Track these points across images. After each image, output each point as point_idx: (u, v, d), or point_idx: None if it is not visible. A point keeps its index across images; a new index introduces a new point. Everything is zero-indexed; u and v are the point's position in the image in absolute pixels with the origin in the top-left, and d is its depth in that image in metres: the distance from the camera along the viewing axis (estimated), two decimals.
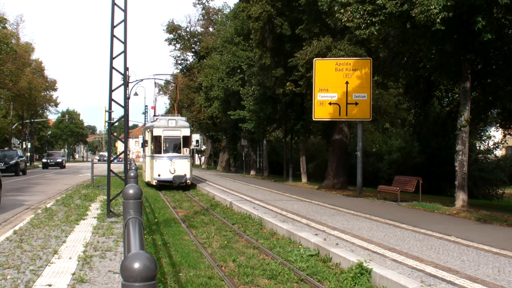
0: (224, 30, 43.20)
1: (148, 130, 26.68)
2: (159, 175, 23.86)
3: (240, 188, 23.50)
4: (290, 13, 27.15)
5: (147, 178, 26.27)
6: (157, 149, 24.59)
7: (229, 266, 8.66)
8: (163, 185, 24.09)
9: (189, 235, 11.68)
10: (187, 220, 13.97)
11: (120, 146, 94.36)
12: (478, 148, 26.80)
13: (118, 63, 13.48)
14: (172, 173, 23.60)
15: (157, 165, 24.02)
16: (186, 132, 25.05)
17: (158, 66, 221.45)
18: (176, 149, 24.79)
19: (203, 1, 56.75)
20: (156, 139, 24.71)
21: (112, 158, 15.52)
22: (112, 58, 13.07)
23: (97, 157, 70.54)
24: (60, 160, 55.91)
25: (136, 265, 2.53)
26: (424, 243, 9.76)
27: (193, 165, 37.53)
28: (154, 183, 24.19)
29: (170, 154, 24.37)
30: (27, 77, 46.24)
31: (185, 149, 24.78)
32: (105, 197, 15.40)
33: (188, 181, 23.95)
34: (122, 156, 17.58)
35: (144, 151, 29.76)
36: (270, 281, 7.75)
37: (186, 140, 25.07)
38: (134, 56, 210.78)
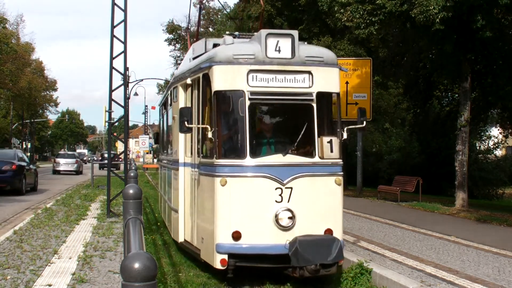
0: (224, 30, 43.24)
1: (193, 77, 8.17)
2: (237, 236, 6.92)
3: None
4: (290, 13, 27.16)
5: (183, 234, 8.78)
6: (224, 143, 7.42)
7: None
8: (251, 269, 7.33)
9: None
10: None
11: (120, 146, 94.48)
12: (478, 148, 26.82)
13: (118, 63, 13.51)
14: (286, 228, 6.94)
15: (232, 200, 7.03)
16: (330, 80, 7.55)
17: (158, 66, 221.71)
18: (297, 140, 7.42)
19: (203, 1, 56.79)
20: (221, 107, 7.42)
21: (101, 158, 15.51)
22: (112, 58, 13.07)
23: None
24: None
25: (136, 265, 2.53)
26: (424, 243, 9.77)
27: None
28: (220, 264, 6.97)
29: (275, 158, 7.26)
30: (27, 77, 46.25)
31: (326, 140, 7.42)
32: (105, 197, 15.39)
33: (340, 260, 7.07)
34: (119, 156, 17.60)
35: (163, 147, 12.73)
36: (270, 280, 7.75)
37: (326, 108, 7.75)
38: (134, 56, 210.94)
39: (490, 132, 28.63)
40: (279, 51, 7.24)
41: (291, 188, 7.03)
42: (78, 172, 39.82)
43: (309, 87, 7.34)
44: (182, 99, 8.93)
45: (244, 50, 7.32)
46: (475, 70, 17.25)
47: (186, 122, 7.25)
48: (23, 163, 21.00)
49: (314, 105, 7.30)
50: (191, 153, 8.45)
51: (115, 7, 12.91)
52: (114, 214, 12.97)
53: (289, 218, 6.94)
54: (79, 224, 11.93)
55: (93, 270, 7.42)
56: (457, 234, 10.77)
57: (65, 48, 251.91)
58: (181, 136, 8.74)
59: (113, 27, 13.00)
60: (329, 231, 7.15)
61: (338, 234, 7.21)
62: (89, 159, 68.29)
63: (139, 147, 55.21)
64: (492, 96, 18.32)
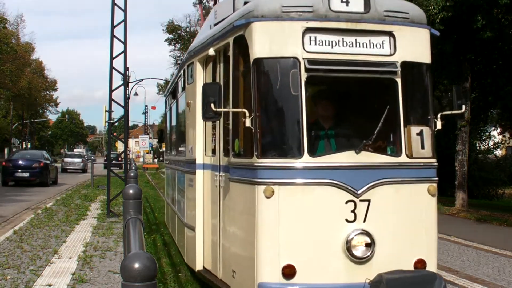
0: None
1: (218, 45, 5.70)
2: (289, 272, 4.60)
3: None
4: None
5: (202, 261, 6.50)
6: (268, 134, 4.98)
7: None
8: None
9: None
10: None
11: (120, 146, 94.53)
12: (478, 148, 26.82)
13: (118, 63, 13.53)
14: (362, 259, 4.68)
15: (282, 219, 4.66)
16: (418, 45, 5.13)
17: (158, 66, 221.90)
18: (374, 132, 4.87)
19: (203, 1, 56.79)
20: (264, 82, 4.94)
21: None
22: (112, 58, 13.09)
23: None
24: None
25: (136, 265, 2.53)
26: None
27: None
28: None
29: (343, 157, 4.82)
30: (27, 77, 46.27)
31: (415, 131, 5.04)
32: (105, 197, 15.39)
33: None
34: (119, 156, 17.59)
35: (171, 145, 11.05)
36: None
37: (415, 86, 5.34)
38: (134, 56, 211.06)
39: (492, 131, 28.63)
40: (347, 2, 4.93)
41: (369, 200, 4.74)
42: (84, 170, 43.64)
43: (391, 54, 5.00)
44: (201, 78, 6.49)
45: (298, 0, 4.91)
46: (475, 70, 17.25)
47: (212, 105, 4.78)
48: (48, 161, 25.75)
49: (399, 80, 4.96)
50: (213, 151, 6.17)
51: (115, 7, 12.93)
52: (114, 214, 12.97)
53: (367, 245, 4.66)
54: (79, 224, 11.93)
55: (93, 270, 7.42)
56: (457, 234, 10.78)
57: (65, 48, 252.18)
58: (199, 128, 6.41)
59: (113, 27, 13.01)
60: (421, 263, 4.87)
61: (432, 266, 4.89)
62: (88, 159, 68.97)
63: (139, 147, 55.20)
64: (492, 96, 18.32)
